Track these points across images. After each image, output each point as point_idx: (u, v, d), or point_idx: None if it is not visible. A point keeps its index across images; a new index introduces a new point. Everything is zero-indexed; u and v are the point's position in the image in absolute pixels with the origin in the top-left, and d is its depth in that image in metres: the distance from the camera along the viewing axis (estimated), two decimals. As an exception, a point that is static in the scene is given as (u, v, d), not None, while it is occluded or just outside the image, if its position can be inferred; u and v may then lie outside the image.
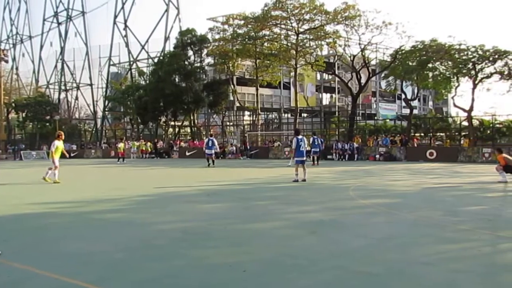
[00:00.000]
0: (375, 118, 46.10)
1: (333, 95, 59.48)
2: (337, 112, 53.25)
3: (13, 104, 53.70)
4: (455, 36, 40.03)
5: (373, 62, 42.83)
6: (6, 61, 53.20)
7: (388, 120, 43.44)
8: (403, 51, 29.96)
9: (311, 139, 21.12)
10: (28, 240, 5.53)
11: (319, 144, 21.47)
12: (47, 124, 51.41)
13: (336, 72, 44.40)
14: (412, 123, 33.67)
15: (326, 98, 62.28)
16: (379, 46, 39.87)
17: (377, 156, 26.10)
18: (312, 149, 20.89)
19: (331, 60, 45.63)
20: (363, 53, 33.11)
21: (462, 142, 29.54)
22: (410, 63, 29.59)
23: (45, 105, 52.03)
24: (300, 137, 12.85)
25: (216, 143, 22.21)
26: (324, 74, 55.00)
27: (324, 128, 38.69)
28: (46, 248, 5.05)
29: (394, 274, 3.98)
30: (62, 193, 10.48)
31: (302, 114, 51.78)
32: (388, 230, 5.86)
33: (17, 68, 67.17)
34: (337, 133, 34.82)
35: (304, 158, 12.82)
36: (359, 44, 32.63)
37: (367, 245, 5.07)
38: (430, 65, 28.78)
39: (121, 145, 29.53)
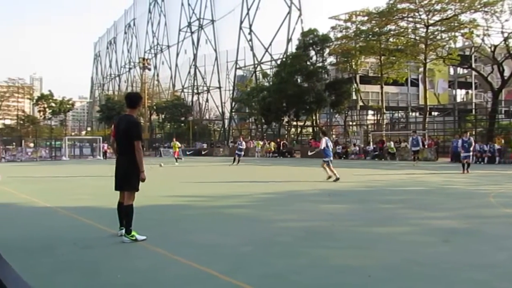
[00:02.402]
0: (522, 115, 40.43)
1: (469, 91, 53.84)
2: (473, 110, 48.04)
3: (154, 107, 61.56)
4: None
5: (519, 52, 37.50)
6: (149, 69, 60.72)
7: (539, 118, 37.80)
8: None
9: (410, 139, 19.43)
10: (166, 229, 6.17)
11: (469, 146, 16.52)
12: (182, 124, 57.29)
13: (473, 66, 40.10)
14: None
15: (460, 94, 56.85)
16: (527, 33, 34.75)
17: (525, 159, 22.77)
18: (465, 153, 16.50)
19: (467, 53, 41.47)
20: (507, 43, 29.26)
21: None
22: None
23: (181, 107, 58.09)
24: (326, 137, 13.72)
25: (244, 144, 25.79)
26: (459, 68, 50.27)
27: (458, 127, 35.17)
28: (182, 238, 5.57)
29: (548, 296, 3.45)
30: (191, 188, 11.51)
31: (432, 113, 48.08)
32: (540, 245, 5.09)
33: (157, 75, 75.77)
34: (474, 133, 31.40)
35: (332, 158, 13.54)
36: (502, 32, 29.00)
37: (512, 259, 4.48)
38: None
39: (177, 143, 26.25)
